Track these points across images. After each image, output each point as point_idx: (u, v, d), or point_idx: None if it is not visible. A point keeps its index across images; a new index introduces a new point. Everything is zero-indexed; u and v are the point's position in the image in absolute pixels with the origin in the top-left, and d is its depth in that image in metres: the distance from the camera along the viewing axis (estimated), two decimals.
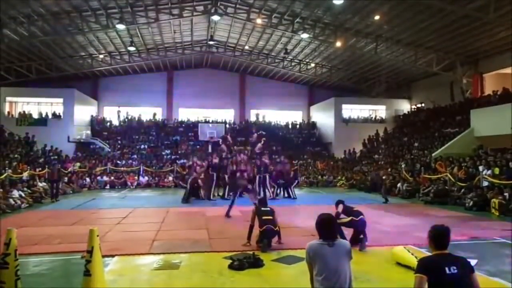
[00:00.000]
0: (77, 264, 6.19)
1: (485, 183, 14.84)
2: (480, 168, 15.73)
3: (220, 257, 6.81)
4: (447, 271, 3.03)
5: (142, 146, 29.52)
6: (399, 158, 24.06)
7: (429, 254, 3.41)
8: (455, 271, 3.04)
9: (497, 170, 15.00)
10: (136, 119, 32.96)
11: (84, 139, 28.61)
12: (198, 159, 17.52)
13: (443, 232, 3.26)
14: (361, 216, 7.65)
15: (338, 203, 8.04)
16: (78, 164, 24.42)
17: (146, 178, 24.23)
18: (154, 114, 33.66)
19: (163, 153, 28.73)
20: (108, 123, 32.37)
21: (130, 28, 23.50)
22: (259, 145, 19.34)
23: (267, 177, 16.86)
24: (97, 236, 4.99)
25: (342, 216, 7.72)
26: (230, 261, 6.37)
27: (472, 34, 20.54)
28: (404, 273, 5.94)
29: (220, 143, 19.16)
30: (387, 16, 20.21)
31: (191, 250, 7.36)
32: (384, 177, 18.15)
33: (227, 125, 31.58)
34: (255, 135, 22.89)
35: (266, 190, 16.48)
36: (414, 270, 3.23)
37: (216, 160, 16.89)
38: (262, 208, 7.76)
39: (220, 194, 16.73)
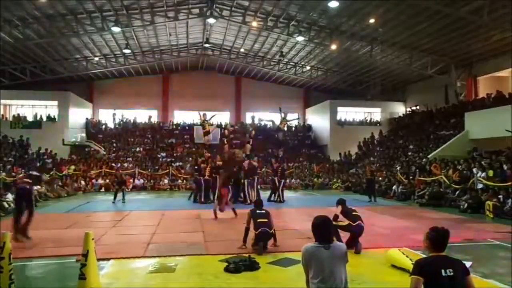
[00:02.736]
0: (72, 267, 6.16)
1: (480, 186, 14.92)
2: (475, 170, 15.82)
3: (216, 260, 6.79)
4: (443, 273, 3.03)
5: (138, 149, 29.45)
6: (394, 160, 24.16)
7: (425, 256, 3.41)
8: (451, 273, 3.04)
9: (491, 173, 15.08)
10: (132, 121, 32.90)
11: (79, 142, 28.50)
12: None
13: (443, 234, 3.24)
14: (359, 221, 7.57)
15: (338, 202, 7.99)
16: (72, 167, 24.31)
17: (142, 180, 24.18)
18: (150, 117, 33.64)
19: (159, 155, 28.68)
20: (103, 126, 32.29)
21: (126, 30, 23.46)
22: (248, 146, 18.66)
23: (256, 179, 16.52)
24: (92, 239, 4.98)
25: (340, 218, 7.69)
26: (226, 264, 6.37)
27: (466, 37, 20.69)
28: (399, 276, 5.95)
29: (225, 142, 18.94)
30: (382, 19, 20.32)
31: (186, 253, 7.34)
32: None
33: (222, 128, 31.53)
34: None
35: (252, 192, 16.04)
36: (410, 272, 3.23)
37: (219, 163, 16.80)
38: (258, 211, 7.75)
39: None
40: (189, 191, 21.50)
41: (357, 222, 7.55)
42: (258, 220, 7.48)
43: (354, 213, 7.79)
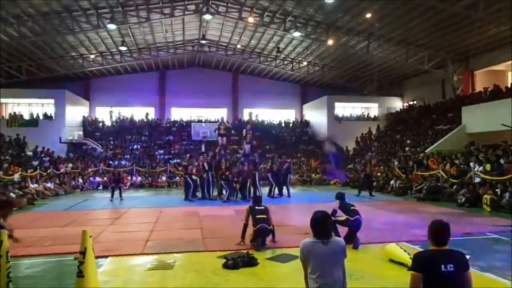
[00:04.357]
0: (70, 265, 6.16)
1: (477, 180, 14.95)
2: (472, 164, 15.85)
3: (214, 257, 6.80)
4: (443, 269, 2.94)
5: (135, 146, 29.38)
6: (391, 155, 24.19)
7: (423, 250, 3.39)
8: (451, 269, 2.94)
9: (488, 167, 15.11)
10: (129, 119, 32.80)
11: (76, 140, 28.43)
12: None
13: (442, 227, 3.15)
14: (357, 216, 7.57)
15: (337, 196, 7.97)
16: (70, 165, 24.25)
17: (140, 178, 24.14)
18: (147, 114, 33.52)
19: (156, 153, 28.63)
20: (100, 124, 32.18)
21: (121, 27, 23.34)
22: (248, 146, 18.55)
23: (257, 175, 16.50)
24: (90, 237, 4.97)
25: (338, 214, 7.69)
26: (224, 260, 6.37)
27: (463, 31, 20.67)
28: (397, 270, 5.98)
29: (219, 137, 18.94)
30: (379, 14, 20.27)
31: (185, 250, 7.34)
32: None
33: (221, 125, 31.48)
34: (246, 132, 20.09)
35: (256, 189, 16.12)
36: (409, 266, 3.20)
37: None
38: (256, 207, 7.75)
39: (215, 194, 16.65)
40: None
41: (355, 217, 7.56)
42: (257, 217, 7.48)
43: (352, 207, 7.79)
